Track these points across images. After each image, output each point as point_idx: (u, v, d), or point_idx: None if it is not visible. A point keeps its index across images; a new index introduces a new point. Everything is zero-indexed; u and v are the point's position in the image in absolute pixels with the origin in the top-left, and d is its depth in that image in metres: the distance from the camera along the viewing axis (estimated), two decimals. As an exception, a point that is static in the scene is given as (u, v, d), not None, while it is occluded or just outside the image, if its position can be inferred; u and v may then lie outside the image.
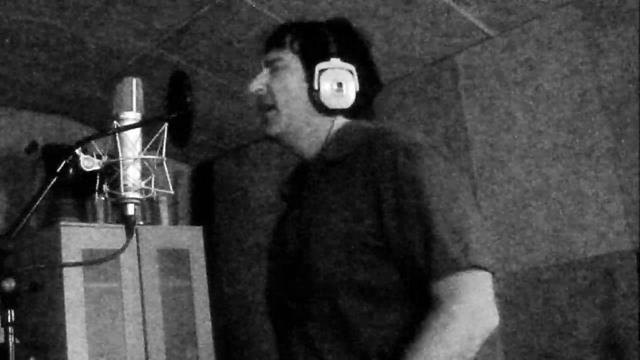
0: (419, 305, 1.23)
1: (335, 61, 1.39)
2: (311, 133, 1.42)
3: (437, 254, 1.19)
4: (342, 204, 1.29)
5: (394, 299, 1.25)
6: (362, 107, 1.42)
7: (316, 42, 1.42)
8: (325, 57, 1.40)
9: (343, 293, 1.25)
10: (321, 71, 1.38)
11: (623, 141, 2.38)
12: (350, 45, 1.44)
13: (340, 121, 1.43)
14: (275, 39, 1.46)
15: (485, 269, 1.21)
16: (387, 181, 1.25)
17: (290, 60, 1.42)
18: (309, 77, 1.39)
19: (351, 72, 1.39)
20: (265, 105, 1.43)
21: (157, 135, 1.29)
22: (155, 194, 1.28)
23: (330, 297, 1.27)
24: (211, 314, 3.51)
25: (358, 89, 1.40)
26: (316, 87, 1.38)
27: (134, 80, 1.30)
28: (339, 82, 1.38)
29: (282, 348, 1.39)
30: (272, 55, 1.44)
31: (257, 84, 1.44)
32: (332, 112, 1.40)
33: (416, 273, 1.23)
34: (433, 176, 1.26)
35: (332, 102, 1.38)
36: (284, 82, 1.41)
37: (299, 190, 1.46)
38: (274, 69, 1.43)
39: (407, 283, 1.25)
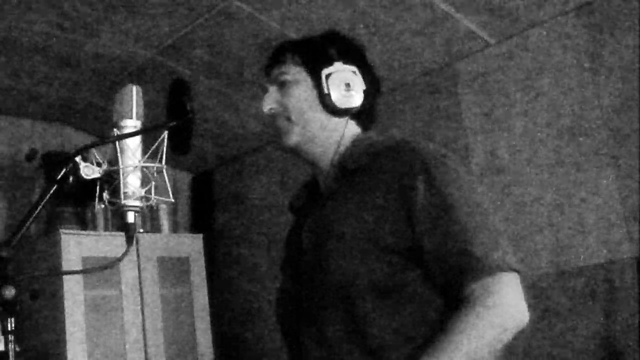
0: (434, 305, 1.28)
1: (338, 65, 1.44)
2: (327, 137, 1.46)
3: (478, 257, 1.23)
4: (363, 207, 1.33)
5: (411, 300, 1.28)
6: (369, 108, 1.48)
7: (316, 51, 1.46)
8: (328, 63, 1.44)
9: (362, 293, 1.28)
10: (328, 76, 1.42)
11: (623, 149, 2.38)
12: (348, 49, 1.48)
13: (352, 127, 1.47)
14: (275, 58, 1.49)
15: (518, 272, 1.28)
16: (419, 187, 1.28)
17: (296, 73, 1.46)
18: (317, 84, 1.43)
19: (354, 72, 1.44)
20: (281, 121, 1.46)
21: (157, 143, 1.29)
22: (155, 201, 1.28)
23: (348, 298, 1.29)
24: (211, 322, 3.51)
25: (365, 88, 1.44)
26: (326, 91, 1.42)
27: (134, 88, 1.30)
28: (347, 83, 1.43)
29: (295, 354, 1.40)
30: (276, 72, 1.48)
31: (269, 103, 1.47)
32: (345, 113, 1.44)
33: (440, 273, 1.27)
34: (463, 184, 1.32)
35: (343, 102, 1.42)
36: (294, 94, 1.45)
37: (313, 201, 1.50)
38: (281, 84, 1.46)
39: (425, 283, 1.28)
